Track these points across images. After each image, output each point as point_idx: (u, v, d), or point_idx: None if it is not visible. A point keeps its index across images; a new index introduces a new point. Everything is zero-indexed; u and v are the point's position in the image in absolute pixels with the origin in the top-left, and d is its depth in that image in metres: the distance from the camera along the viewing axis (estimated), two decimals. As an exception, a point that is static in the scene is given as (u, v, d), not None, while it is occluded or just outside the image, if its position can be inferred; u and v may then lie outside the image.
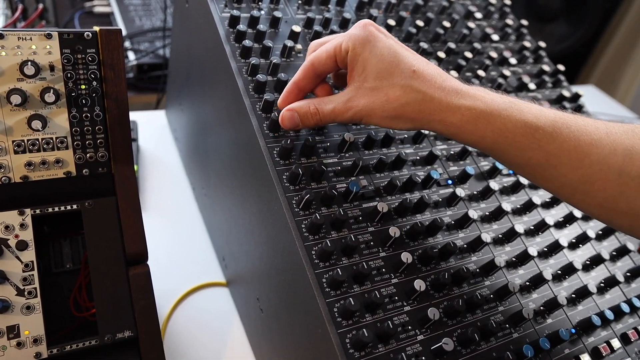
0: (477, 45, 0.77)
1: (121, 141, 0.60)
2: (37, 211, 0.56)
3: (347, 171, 0.55)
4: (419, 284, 0.48)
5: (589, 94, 1.61)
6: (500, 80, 0.75)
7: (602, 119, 0.48)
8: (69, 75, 0.55)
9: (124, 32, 1.26)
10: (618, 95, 2.25)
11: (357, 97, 0.48)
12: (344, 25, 0.69)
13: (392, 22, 0.72)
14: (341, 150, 0.56)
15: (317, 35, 0.66)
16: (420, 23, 0.75)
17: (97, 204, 0.59)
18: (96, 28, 0.56)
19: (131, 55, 1.19)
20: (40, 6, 1.23)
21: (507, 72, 0.77)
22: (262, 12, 0.66)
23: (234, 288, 0.72)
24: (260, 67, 0.59)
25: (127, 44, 1.23)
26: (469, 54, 0.75)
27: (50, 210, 0.58)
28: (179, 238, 0.80)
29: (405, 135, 0.61)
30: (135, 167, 0.84)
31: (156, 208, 0.85)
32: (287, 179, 0.51)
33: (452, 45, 0.74)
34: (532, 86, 0.79)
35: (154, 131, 0.99)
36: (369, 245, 0.50)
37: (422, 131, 0.61)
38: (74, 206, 0.59)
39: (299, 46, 0.64)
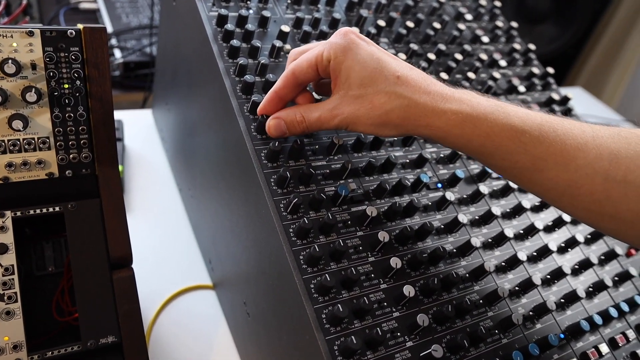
0: (467, 47, 0.77)
1: (105, 142, 0.59)
2: (18, 213, 0.55)
3: (336, 174, 0.54)
4: (408, 290, 0.47)
5: (577, 96, 1.62)
6: (490, 82, 0.75)
7: (589, 122, 0.48)
8: (51, 74, 0.53)
9: (110, 29, 1.24)
10: (605, 97, 2.27)
11: (342, 105, 0.48)
12: (334, 25, 0.69)
13: (382, 22, 0.71)
14: (330, 153, 0.55)
15: (306, 35, 0.65)
16: (410, 24, 0.74)
17: (81, 206, 0.58)
18: (80, 26, 0.54)
19: (117, 53, 1.18)
20: (24, 2, 1.21)
21: (497, 75, 0.77)
22: (251, 11, 0.65)
23: (220, 291, 0.71)
24: (248, 68, 0.58)
25: (113, 41, 1.21)
26: (459, 56, 0.75)
27: (31, 212, 0.56)
28: (165, 239, 0.79)
29: (395, 138, 0.61)
30: (121, 167, 0.83)
31: (142, 209, 0.83)
32: (274, 182, 0.51)
33: (442, 47, 0.74)
34: (521, 89, 0.79)
35: (140, 130, 0.97)
36: (357, 250, 0.50)
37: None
38: (57, 208, 0.57)
39: (287, 46, 0.63)
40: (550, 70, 0.85)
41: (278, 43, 0.61)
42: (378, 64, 0.47)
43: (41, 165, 0.56)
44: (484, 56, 0.78)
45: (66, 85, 0.55)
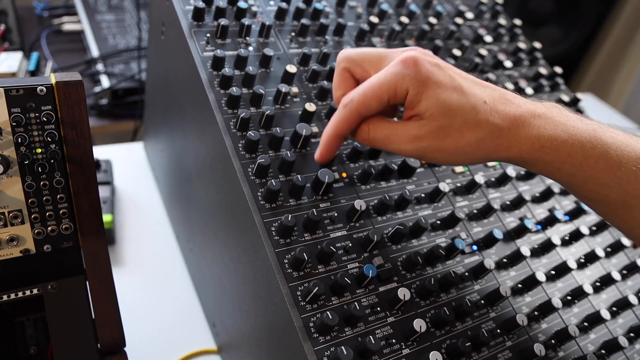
0: (491, 75, 0.69)
1: (89, 209, 0.51)
2: (-11, 301, 0.47)
3: (360, 246, 0.46)
4: (453, 392, 0.40)
5: (587, 103, 1.56)
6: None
7: None
8: (20, 139, 0.45)
9: (96, 53, 1.16)
10: (610, 100, 2.20)
11: (423, 133, 0.43)
12: (345, 60, 0.61)
13: (397, 54, 0.64)
14: (351, 220, 0.48)
15: (315, 74, 0.57)
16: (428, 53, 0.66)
17: (63, 286, 0.51)
18: (52, 79, 0.46)
19: (105, 80, 1.09)
20: (2, 27, 1.12)
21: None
22: (250, 48, 0.58)
23: (227, 358, 0.63)
24: (251, 119, 0.50)
25: (99, 66, 1.13)
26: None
27: (4, 298, 0.48)
28: (162, 297, 0.71)
29: (423, 195, 0.53)
30: (110, 216, 0.75)
31: (135, 262, 0.75)
32: (289, 263, 0.43)
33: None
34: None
35: (131, 168, 0.89)
36: (389, 343, 0.42)
37: (440, 188, 0.52)
38: (35, 290, 0.50)
39: (294, 89, 0.56)
40: (580, 96, 0.77)
41: (284, 87, 0.53)
42: (462, 92, 0.42)
43: (14, 242, 0.48)
44: (509, 85, 0.70)
45: (39, 150, 0.47)
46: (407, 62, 0.42)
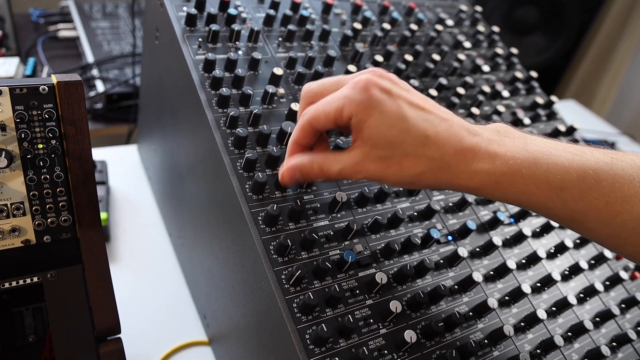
0: (468, 79, 0.73)
1: (86, 202, 0.54)
2: (-9, 288, 0.50)
3: (341, 235, 0.50)
4: (426, 367, 0.43)
5: (569, 109, 1.61)
6: (495, 117, 0.71)
7: (586, 137, 0.45)
8: (23, 135, 0.48)
9: (91, 59, 1.19)
10: (594, 106, 2.25)
11: (367, 163, 0.44)
12: (329, 63, 0.64)
13: (379, 58, 0.67)
14: (332, 211, 0.51)
15: (300, 76, 0.61)
16: (409, 57, 0.70)
17: (61, 275, 0.53)
18: (54, 79, 0.49)
19: (99, 85, 1.12)
20: None
21: (501, 108, 0.73)
22: (240, 52, 0.61)
23: (217, 348, 0.66)
24: (240, 118, 0.53)
25: (94, 72, 1.16)
26: (461, 90, 0.71)
27: (6, 285, 0.51)
28: (155, 291, 0.74)
29: (401, 188, 0.56)
30: (105, 214, 0.77)
31: (129, 258, 0.78)
32: (274, 249, 0.46)
33: (443, 80, 0.70)
34: (526, 121, 0.76)
35: (125, 170, 0.92)
36: (367, 323, 0.45)
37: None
38: (35, 278, 0.53)
39: (281, 90, 0.59)
40: (555, 99, 0.81)
41: (271, 89, 0.56)
42: (405, 124, 0.42)
43: (16, 232, 0.51)
44: (486, 88, 0.74)
45: (40, 146, 0.50)
46: (357, 85, 0.43)
